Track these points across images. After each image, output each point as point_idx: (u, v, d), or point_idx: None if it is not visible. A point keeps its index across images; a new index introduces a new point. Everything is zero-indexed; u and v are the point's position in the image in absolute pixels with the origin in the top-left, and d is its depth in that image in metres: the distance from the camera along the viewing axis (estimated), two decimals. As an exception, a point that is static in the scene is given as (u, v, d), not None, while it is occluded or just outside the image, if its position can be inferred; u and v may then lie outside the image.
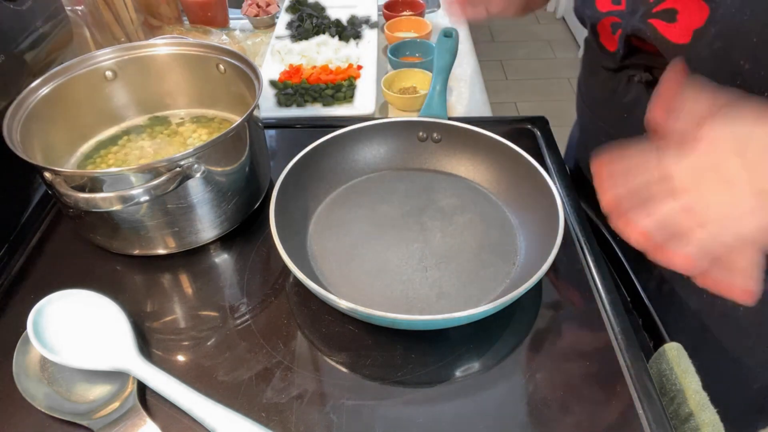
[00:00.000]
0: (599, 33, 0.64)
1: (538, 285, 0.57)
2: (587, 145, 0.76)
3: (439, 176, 0.69)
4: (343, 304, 0.48)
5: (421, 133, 0.69)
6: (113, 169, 0.54)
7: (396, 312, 0.47)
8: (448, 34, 0.84)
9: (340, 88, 0.88)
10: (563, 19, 3.16)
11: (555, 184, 0.68)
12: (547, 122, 0.78)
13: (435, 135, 0.69)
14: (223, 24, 1.11)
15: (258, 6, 1.12)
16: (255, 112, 0.60)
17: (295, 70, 0.93)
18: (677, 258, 0.38)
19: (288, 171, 0.61)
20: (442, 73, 0.78)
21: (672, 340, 0.53)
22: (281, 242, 0.53)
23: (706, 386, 0.48)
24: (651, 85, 0.59)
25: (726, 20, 0.46)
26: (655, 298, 0.60)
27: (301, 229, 0.62)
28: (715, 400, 0.48)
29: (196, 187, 0.56)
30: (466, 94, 0.92)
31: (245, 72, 0.64)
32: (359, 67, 0.95)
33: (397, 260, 0.59)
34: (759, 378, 0.65)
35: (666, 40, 0.52)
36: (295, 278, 0.52)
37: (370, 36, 1.04)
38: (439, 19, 1.14)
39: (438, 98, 0.75)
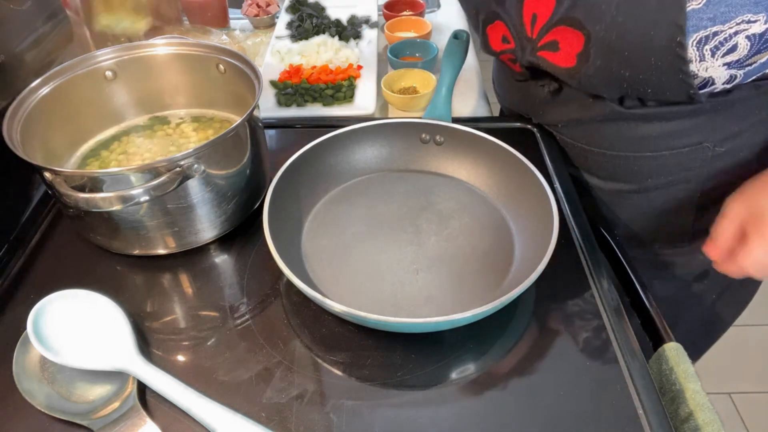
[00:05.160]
0: (504, 61, 0.72)
1: (538, 286, 0.57)
2: None
3: (440, 179, 0.68)
4: (337, 307, 0.48)
5: (424, 135, 0.68)
6: (113, 169, 0.54)
7: (383, 314, 0.47)
8: (459, 36, 0.84)
9: (340, 88, 0.88)
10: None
11: (554, 185, 0.68)
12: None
13: (438, 137, 0.68)
14: (223, 24, 1.11)
15: (258, 6, 1.12)
16: (255, 112, 0.60)
17: (295, 70, 0.93)
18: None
19: (284, 170, 0.60)
20: (450, 75, 0.77)
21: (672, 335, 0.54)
22: (275, 246, 0.52)
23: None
24: (558, 92, 0.69)
25: (600, 43, 0.55)
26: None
27: (297, 228, 0.62)
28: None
29: (196, 187, 0.56)
30: (466, 94, 0.92)
31: (245, 72, 0.64)
32: (359, 67, 0.95)
33: (389, 261, 0.58)
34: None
35: (556, 66, 0.61)
36: (295, 278, 0.52)
37: (370, 36, 1.04)
38: (439, 19, 1.14)
39: (444, 100, 0.74)
